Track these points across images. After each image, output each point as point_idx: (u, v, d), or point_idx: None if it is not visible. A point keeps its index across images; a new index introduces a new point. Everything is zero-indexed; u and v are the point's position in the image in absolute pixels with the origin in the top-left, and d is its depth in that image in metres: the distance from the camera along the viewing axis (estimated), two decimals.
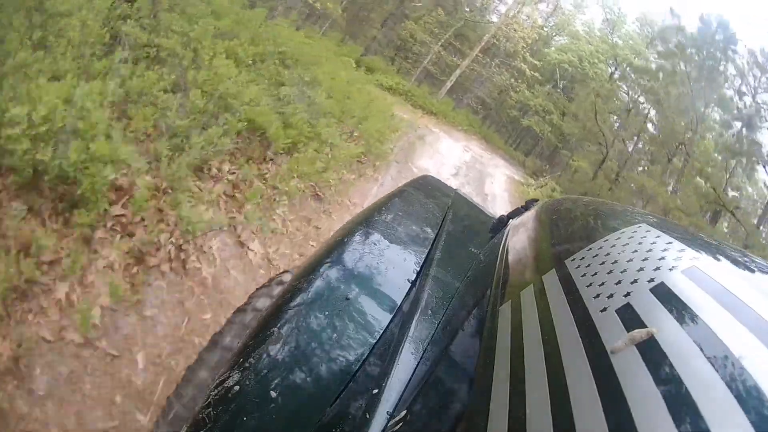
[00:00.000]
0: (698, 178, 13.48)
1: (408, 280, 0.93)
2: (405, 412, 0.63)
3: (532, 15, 19.69)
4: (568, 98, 19.66)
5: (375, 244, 1.02)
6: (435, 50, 18.17)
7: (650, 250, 0.63)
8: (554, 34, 21.75)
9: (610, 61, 19.28)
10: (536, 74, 19.34)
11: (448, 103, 18.09)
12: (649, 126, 18.42)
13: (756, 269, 0.62)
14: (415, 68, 18.78)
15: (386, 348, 0.75)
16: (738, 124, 14.08)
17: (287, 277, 1.09)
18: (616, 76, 19.73)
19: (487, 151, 14.25)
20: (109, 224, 1.81)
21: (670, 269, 0.56)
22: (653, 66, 17.65)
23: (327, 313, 0.78)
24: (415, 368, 0.71)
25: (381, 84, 13.25)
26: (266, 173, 2.93)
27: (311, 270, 0.91)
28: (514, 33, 18.89)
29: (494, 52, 19.97)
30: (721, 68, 15.03)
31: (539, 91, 19.34)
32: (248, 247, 2.42)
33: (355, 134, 4.98)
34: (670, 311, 0.48)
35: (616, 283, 0.57)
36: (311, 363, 0.70)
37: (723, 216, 13.10)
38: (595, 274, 0.62)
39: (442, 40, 18.33)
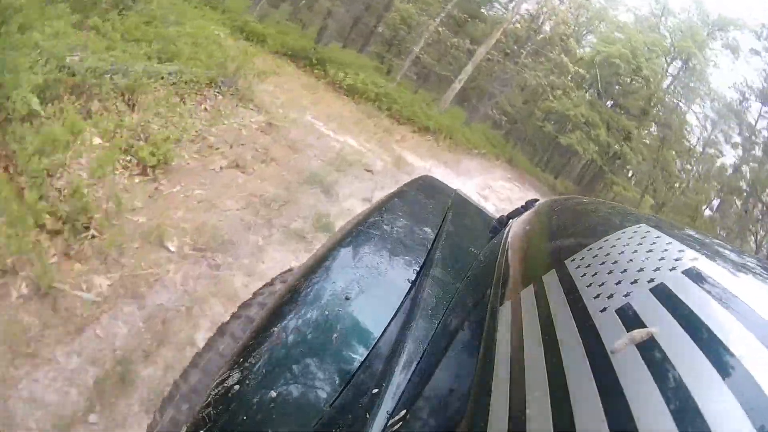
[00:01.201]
0: None
1: (408, 280, 0.93)
2: (405, 412, 0.63)
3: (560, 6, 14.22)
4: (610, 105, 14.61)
5: (375, 244, 1.02)
6: (432, 28, 12.04)
7: (650, 250, 0.63)
8: (585, 31, 15.90)
9: (666, 56, 14.37)
10: (581, 70, 13.92)
11: (457, 114, 13.19)
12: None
13: (756, 269, 0.62)
14: (411, 62, 12.71)
15: (386, 348, 0.75)
16: None
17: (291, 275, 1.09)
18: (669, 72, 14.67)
19: (515, 183, 10.39)
20: None
21: (670, 269, 0.56)
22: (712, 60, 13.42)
23: (327, 312, 0.78)
24: (415, 368, 0.71)
25: (333, 81, 8.97)
26: None
27: (311, 270, 0.91)
28: (551, 11, 13.66)
29: (522, 41, 14.09)
30: None
31: (579, 98, 14.16)
32: None
33: None
34: (670, 311, 0.48)
35: (616, 283, 0.57)
36: (311, 363, 0.70)
37: None
38: (595, 274, 0.62)
39: (443, 14, 12.34)
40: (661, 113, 15.13)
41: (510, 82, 14.30)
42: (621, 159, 14.45)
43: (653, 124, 15.00)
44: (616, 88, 15.21)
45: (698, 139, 15.80)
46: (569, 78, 13.88)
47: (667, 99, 15.18)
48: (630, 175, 16.43)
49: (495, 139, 14.46)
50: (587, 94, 14.94)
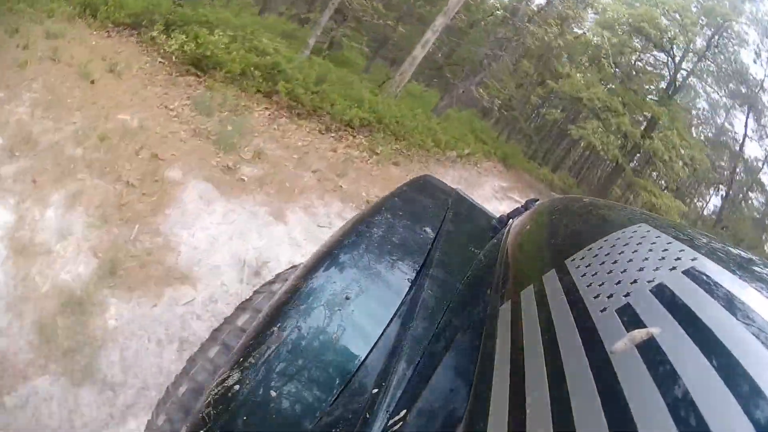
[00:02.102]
0: None
1: (408, 280, 0.93)
2: (405, 412, 0.63)
3: None
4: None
5: (375, 244, 1.02)
6: None
7: (650, 250, 0.63)
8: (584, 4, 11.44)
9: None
10: (605, 32, 10.31)
11: (425, 98, 9.71)
12: None
13: (756, 269, 0.61)
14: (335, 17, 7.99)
15: (386, 348, 0.75)
16: None
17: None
18: (696, 46, 10.89)
19: (514, 197, 7.16)
20: None
21: (671, 269, 0.56)
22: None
23: (327, 312, 0.78)
24: (415, 368, 0.71)
25: (164, 50, 5.28)
26: None
27: (311, 269, 0.91)
28: None
29: None
30: None
31: (592, 76, 10.47)
32: None
33: None
34: (670, 311, 0.47)
35: (616, 283, 0.57)
36: (311, 363, 0.70)
37: None
38: (595, 274, 0.62)
39: None
40: (680, 99, 12.09)
41: (507, 44, 9.65)
42: (651, 155, 10.97)
43: (681, 111, 11.83)
44: (614, 69, 11.72)
45: (711, 126, 13.55)
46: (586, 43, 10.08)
47: (693, 80, 12.01)
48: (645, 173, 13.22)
49: (484, 130, 10.55)
50: (598, 72, 11.11)
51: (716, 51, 11.50)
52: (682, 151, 10.54)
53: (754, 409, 0.34)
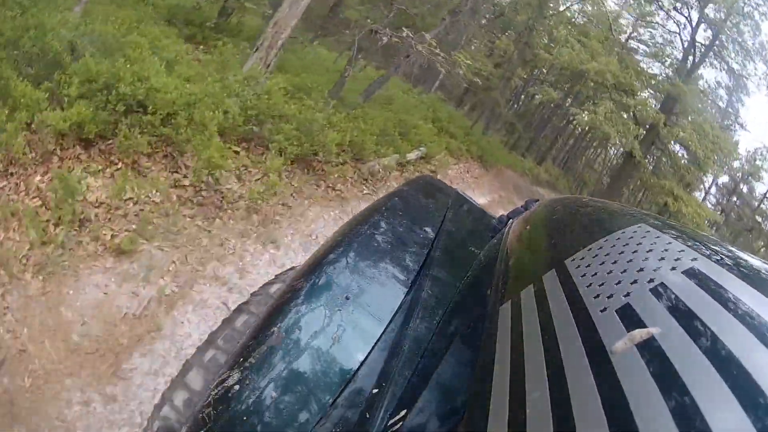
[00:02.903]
0: None
1: (408, 280, 0.93)
2: (405, 411, 0.63)
3: None
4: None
5: (375, 244, 1.02)
6: None
7: (650, 250, 0.63)
8: None
9: None
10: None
11: (363, 79, 6.36)
12: None
13: (756, 269, 0.61)
14: None
15: (386, 348, 0.75)
16: None
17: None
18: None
19: (500, 211, 2.17)
20: None
21: (671, 269, 0.56)
22: None
23: (327, 312, 0.78)
24: (415, 368, 0.71)
25: None
26: None
27: (311, 269, 0.91)
28: None
29: None
30: None
31: (594, 44, 7.87)
32: None
33: None
34: (670, 311, 0.48)
35: (616, 283, 0.57)
36: (311, 363, 0.70)
37: None
38: (595, 274, 0.62)
39: None
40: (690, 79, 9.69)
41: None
42: (665, 146, 8.50)
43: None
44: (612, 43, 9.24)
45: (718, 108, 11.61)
46: None
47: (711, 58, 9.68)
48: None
49: (454, 119, 7.97)
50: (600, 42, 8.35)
51: (737, 21, 9.15)
52: (712, 143, 8.32)
53: (754, 409, 0.34)
